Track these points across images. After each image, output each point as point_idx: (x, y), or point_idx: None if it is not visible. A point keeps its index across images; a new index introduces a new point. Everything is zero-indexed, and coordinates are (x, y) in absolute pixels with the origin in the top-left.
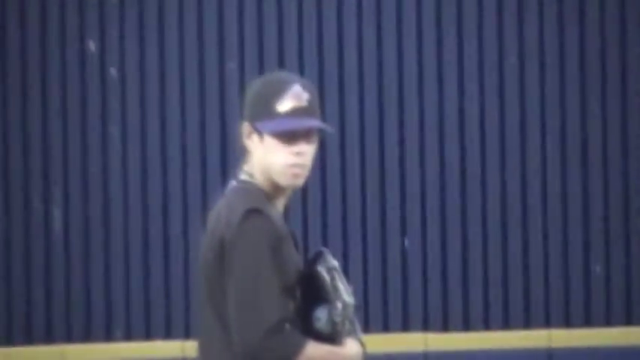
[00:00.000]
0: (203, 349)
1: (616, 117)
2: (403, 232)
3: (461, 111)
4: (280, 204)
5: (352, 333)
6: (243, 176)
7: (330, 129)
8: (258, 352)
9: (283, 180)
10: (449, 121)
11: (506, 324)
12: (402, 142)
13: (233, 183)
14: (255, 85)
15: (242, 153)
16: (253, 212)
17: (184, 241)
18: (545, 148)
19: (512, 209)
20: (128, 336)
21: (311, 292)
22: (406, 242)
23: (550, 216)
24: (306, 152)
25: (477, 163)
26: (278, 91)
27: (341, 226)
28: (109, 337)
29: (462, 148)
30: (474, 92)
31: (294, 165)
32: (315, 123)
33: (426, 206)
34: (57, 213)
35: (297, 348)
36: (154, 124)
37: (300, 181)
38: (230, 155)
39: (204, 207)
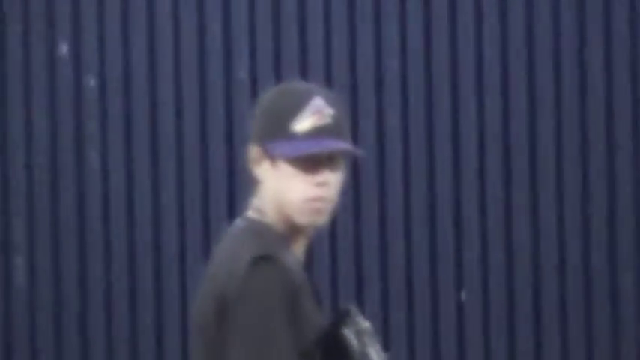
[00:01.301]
0: None
1: None
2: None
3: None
4: (299, 247)
5: None
6: (251, 213)
7: (361, 152)
8: None
9: (301, 218)
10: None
11: None
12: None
13: (239, 222)
14: (266, 98)
15: (250, 183)
16: (262, 260)
17: (181, 298)
18: None
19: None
20: None
21: (334, 358)
22: (463, 295)
23: None
24: (330, 182)
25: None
26: (295, 105)
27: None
28: None
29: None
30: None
31: (316, 199)
32: (340, 145)
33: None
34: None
35: None
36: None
37: (322, 219)
38: (237, 186)
39: (205, 255)
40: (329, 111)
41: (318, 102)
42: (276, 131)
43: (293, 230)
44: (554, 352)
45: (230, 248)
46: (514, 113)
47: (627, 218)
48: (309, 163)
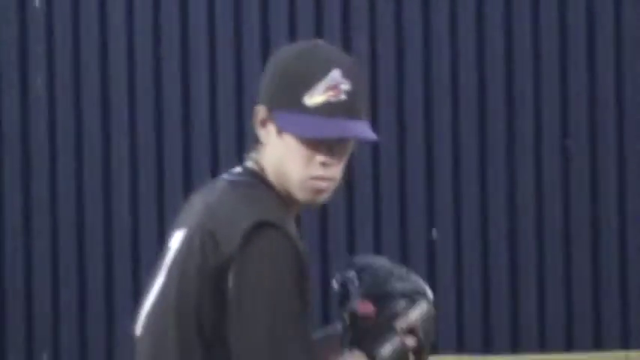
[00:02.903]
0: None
1: None
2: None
3: None
4: (291, 217)
5: None
6: (250, 164)
7: (373, 137)
8: None
9: (301, 194)
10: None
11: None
12: None
13: (235, 172)
14: (281, 59)
15: (253, 140)
16: (269, 226)
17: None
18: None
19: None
20: None
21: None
22: (434, 234)
23: None
24: (336, 163)
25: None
26: (311, 76)
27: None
28: None
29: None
30: None
31: (318, 178)
32: (350, 129)
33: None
34: None
35: None
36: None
37: (323, 199)
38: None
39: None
40: (345, 86)
41: (335, 75)
42: (288, 100)
43: (290, 200)
44: (531, 290)
45: (230, 202)
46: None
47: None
48: (316, 141)
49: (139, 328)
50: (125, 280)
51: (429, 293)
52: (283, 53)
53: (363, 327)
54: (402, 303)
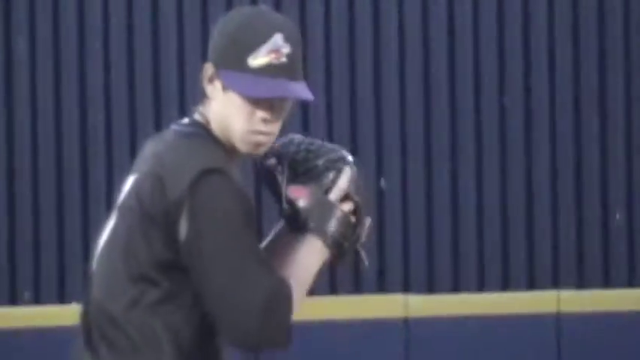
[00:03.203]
0: (104, 294)
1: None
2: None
3: None
4: (234, 165)
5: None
6: (197, 117)
7: (310, 97)
8: (260, 337)
9: (242, 146)
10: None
11: (506, 285)
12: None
13: (182, 123)
14: (229, 22)
15: (201, 95)
16: (215, 172)
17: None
18: (555, 88)
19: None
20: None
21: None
22: (382, 182)
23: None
24: (274, 120)
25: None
26: (256, 39)
27: None
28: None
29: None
30: None
31: (259, 132)
32: (289, 89)
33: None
34: None
35: (290, 304)
36: None
37: (261, 151)
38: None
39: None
40: (286, 50)
41: (277, 39)
42: (234, 61)
43: (232, 151)
44: (471, 238)
45: (177, 149)
46: None
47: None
48: (259, 99)
49: (93, 264)
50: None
51: (347, 156)
52: (231, 17)
53: (303, 210)
54: (329, 176)
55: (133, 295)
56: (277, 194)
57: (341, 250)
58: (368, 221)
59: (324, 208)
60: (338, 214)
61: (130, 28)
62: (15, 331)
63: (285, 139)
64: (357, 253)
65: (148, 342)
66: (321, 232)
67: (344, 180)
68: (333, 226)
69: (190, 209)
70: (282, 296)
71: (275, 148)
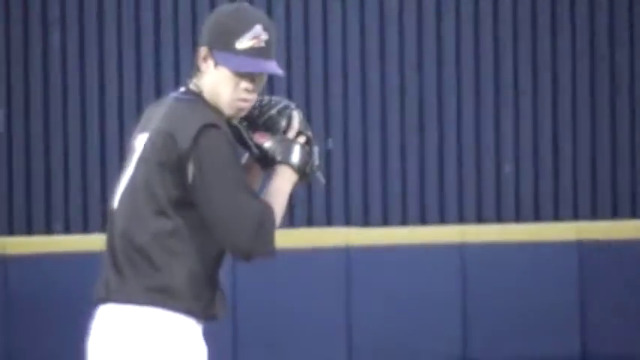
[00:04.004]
0: (130, 226)
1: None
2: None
3: None
4: (223, 122)
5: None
6: (192, 87)
7: (281, 73)
8: (254, 246)
9: (228, 110)
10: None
11: (423, 219)
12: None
13: (180, 92)
14: (220, 15)
15: (193, 69)
16: (212, 127)
17: (120, 139)
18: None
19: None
20: (67, 229)
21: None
22: (330, 143)
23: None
24: (254, 90)
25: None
26: (241, 28)
27: None
28: (48, 230)
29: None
30: None
31: (240, 99)
32: (267, 66)
33: (348, 103)
34: (1, 114)
35: (274, 219)
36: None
37: (242, 114)
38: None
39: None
40: (264, 37)
41: (257, 29)
42: (224, 45)
43: (219, 113)
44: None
45: (180, 111)
46: None
47: None
48: (243, 74)
49: (115, 204)
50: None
51: (291, 103)
52: (221, 10)
53: (269, 149)
54: (282, 121)
55: (153, 227)
56: (246, 145)
57: (304, 173)
58: (316, 149)
59: (285, 144)
60: (297, 146)
61: None
62: (49, 255)
63: None
64: (315, 176)
65: (164, 264)
66: (288, 162)
67: (295, 121)
68: (295, 155)
69: (196, 155)
70: (267, 217)
71: None
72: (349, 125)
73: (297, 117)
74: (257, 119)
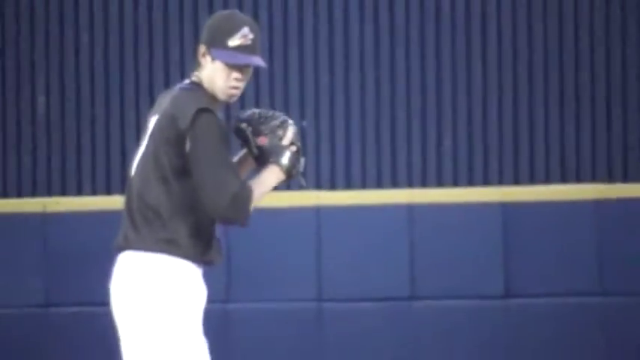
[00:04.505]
0: (143, 189)
1: None
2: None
3: None
4: (218, 107)
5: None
6: (194, 79)
7: (265, 65)
8: (227, 212)
9: (221, 96)
10: None
11: (379, 184)
12: None
13: (185, 83)
14: (215, 19)
15: (195, 64)
16: (206, 110)
17: (137, 119)
18: None
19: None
20: (94, 191)
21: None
22: (304, 123)
23: None
24: (242, 79)
25: None
26: (231, 29)
27: None
28: (79, 192)
29: None
30: None
31: (232, 87)
32: (253, 60)
33: (319, 85)
34: (42, 100)
35: (250, 197)
36: None
37: (233, 99)
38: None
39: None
40: (251, 36)
41: (245, 30)
42: (218, 42)
43: (214, 99)
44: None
45: (180, 96)
46: None
47: None
48: (234, 66)
49: (132, 171)
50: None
51: (289, 119)
52: (216, 16)
53: (265, 151)
54: (280, 131)
55: (161, 191)
56: (249, 144)
57: (290, 174)
58: (303, 160)
59: (280, 149)
60: (288, 152)
61: None
62: (78, 213)
63: (250, 111)
64: (298, 178)
65: (170, 220)
66: (278, 163)
67: (290, 133)
68: (285, 159)
69: (192, 133)
70: (243, 193)
71: (245, 117)
72: (320, 105)
73: (292, 130)
74: (260, 126)
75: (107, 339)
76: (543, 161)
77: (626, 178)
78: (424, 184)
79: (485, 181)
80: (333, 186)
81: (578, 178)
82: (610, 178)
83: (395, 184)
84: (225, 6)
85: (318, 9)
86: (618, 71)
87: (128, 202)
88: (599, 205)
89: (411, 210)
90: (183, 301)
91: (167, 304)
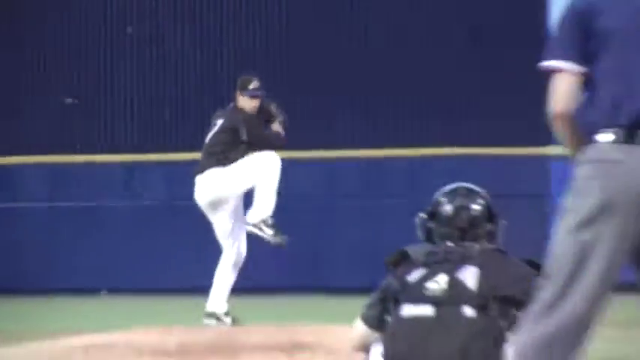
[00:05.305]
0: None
1: None
2: None
3: None
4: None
5: None
6: (233, 104)
7: (264, 93)
8: (273, 147)
9: (248, 111)
10: None
11: None
12: None
13: (230, 105)
14: (242, 79)
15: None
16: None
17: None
18: None
19: None
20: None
21: None
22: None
23: None
24: (256, 102)
25: None
26: (249, 82)
27: None
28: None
29: None
30: None
31: (252, 107)
32: (261, 93)
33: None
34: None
35: (279, 139)
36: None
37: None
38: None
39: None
40: (257, 84)
41: (255, 82)
42: (243, 88)
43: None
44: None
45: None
46: None
47: None
48: (251, 97)
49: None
50: None
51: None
52: (242, 77)
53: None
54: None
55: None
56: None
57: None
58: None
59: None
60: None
61: None
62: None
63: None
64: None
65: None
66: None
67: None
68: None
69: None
70: (275, 139)
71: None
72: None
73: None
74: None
75: None
76: None
77: None
78: None
79: None
80: None
81: None
82: None
83: None
84: None
85: None
86: None
87: None
88: None
89: None
90: None
91: None
